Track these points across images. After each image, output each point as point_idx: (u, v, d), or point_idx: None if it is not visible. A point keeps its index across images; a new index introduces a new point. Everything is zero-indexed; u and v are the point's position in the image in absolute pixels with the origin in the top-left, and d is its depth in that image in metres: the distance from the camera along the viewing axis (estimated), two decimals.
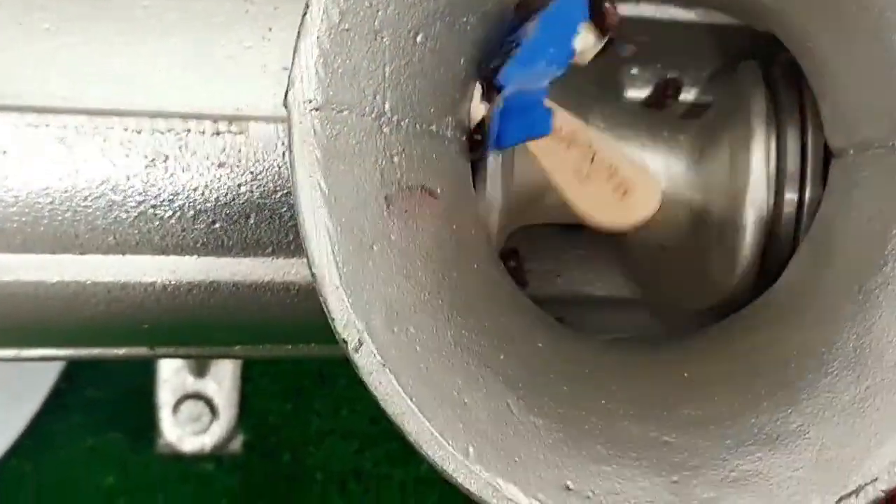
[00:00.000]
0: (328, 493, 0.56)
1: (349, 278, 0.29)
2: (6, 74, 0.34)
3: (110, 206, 0.35)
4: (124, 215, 0.35)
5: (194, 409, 0.52)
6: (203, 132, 0.34)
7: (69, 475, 0.54)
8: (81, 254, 0.35)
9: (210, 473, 0.54)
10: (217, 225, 0.35)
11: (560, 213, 0.38)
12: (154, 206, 0.35)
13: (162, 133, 0.34)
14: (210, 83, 0.35)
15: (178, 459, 0.54)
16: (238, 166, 0.35)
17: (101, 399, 0.54)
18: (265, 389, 0.55)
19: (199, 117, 0.34)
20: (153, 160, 0.34)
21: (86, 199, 0.34)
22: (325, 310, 0.29)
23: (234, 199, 0.35)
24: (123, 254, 0.35)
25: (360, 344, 0.29)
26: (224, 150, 0.35)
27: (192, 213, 0.35)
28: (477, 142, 0.35)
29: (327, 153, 0.29)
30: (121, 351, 0.39)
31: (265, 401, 0.56)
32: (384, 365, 0.29)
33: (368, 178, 0.30)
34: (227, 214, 0.35)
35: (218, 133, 0.34)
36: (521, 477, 0.29)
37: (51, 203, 0.34)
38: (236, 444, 0.53)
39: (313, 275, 0.29)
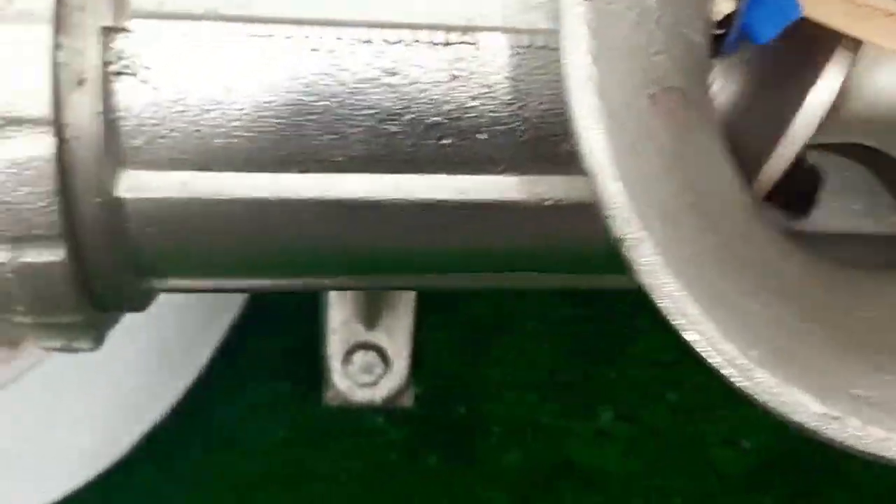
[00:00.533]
0: (506, 447, 0.55)
1: (625, 174, 0.28)
2: None
3: (337, 121, 0.33)
4: (351, 131, 0.34)
5: (365, 359, 0.50)
6: (433, 43, 0.33)
7: (239, 427, 0.53)
8: (303, 172, 0.34)
9: (380, 426, 0.53)
10: (446, 140, 0.34)
11: None
12: (382, 121, 0.33)
13: (391, 44, 0.33)
14: None
15: (348, 411, 0.52)
16: (470, 79, 0.33)
17: (271, 349, 0.54)
18: (439, 340, 0.54)
19: (428, 28, 0.33)
20: (382, 72, 0.33)
21: (311, 113, 0.33)
22: (600, 206, 0.28)
23: (464, 114, 0.34)
24: (349, 172, 0.34)
25: (640, 242, 0.27)
26: (455, 61, 0.33)
27: (421, 128, 0.34)
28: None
29: (598, 46, 0.28)
30: (327, 281, 0.38)
31: (439, 352, 0.54)
32: (666, 264, 0.27)
33: (634, 75, 0.29)
34: (457, 129, 0.34)
35: (448, 44, 0.33)
36: (808, 383, 0.28)
37: (276, 118, 0.33)
38: (408, 397, 0.52)
39: (588, 171, 0.28)
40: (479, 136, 0.34)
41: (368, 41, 0.33)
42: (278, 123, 0.33)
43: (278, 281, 0.38)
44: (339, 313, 0.50)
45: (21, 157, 0.32)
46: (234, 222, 0.35)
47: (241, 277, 0.38)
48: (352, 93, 0.33)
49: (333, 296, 0.50)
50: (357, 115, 0.33)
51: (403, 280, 0.40)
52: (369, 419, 0.54)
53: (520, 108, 0.34)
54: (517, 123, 0.34)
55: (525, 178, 0.35)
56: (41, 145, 0.32)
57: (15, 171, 0.32)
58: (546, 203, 0.35)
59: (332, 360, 0.50)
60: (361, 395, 0.50)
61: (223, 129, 0.33)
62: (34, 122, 0.32)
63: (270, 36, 0.33)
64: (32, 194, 0.32)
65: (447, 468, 0.53)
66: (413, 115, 0.34)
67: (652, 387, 0.57)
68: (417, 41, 0.33)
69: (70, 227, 0.33)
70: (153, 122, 0.33)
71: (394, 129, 0.34)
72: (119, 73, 0.33)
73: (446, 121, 0.34)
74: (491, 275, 0.39)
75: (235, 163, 0.34)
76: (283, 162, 0.34)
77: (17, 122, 0.32)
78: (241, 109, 0.33)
